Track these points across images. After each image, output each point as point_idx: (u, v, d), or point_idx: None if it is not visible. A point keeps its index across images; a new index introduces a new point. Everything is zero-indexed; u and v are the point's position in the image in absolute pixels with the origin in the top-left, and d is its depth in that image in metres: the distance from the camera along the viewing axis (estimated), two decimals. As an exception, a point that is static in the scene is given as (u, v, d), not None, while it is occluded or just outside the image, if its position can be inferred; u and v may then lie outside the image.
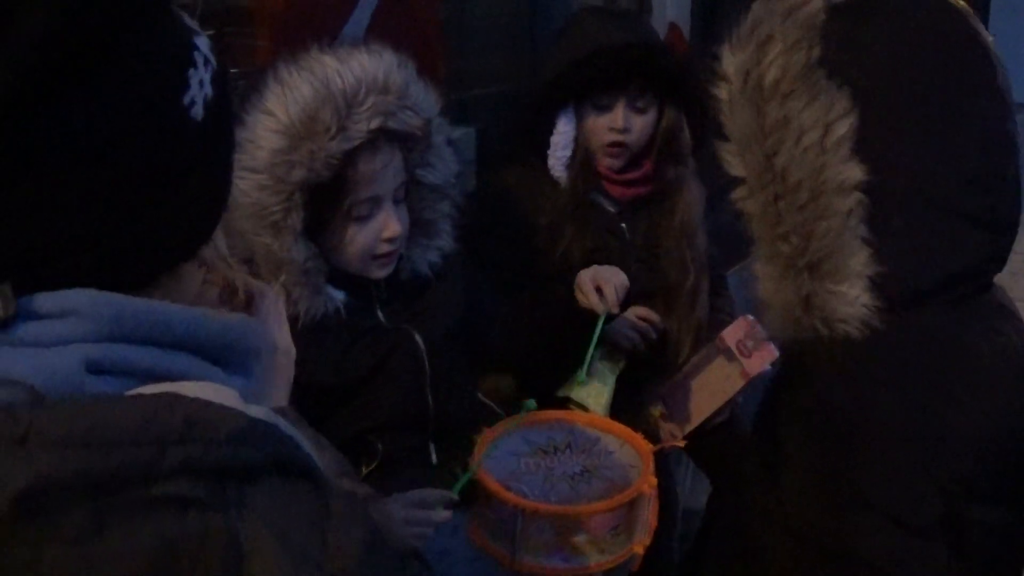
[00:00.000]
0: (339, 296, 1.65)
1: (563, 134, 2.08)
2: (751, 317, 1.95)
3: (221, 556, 0.63)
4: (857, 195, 1.16)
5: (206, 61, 0.77)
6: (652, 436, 1.66)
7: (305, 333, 1.59)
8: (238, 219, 1.55)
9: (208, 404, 0.66)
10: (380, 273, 1.67)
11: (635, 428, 1.69)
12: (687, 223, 2.14)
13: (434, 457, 1.68)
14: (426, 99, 1.64)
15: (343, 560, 0.66)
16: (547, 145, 2.09)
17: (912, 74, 1.20)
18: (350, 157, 1.55)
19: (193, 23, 0.80)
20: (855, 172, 1.15)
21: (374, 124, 1.54)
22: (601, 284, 1.77)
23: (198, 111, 0.74)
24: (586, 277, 1.79)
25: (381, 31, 2.05)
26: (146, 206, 0.72)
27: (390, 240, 1.63)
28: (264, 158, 1.51)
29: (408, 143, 1.64)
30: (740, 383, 1.97)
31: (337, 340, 1.63)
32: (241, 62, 1.99)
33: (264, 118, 1.52)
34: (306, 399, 1.62)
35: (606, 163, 2.11)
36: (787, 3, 1.22)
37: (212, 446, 0.64)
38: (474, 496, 1.51)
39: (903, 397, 1.19)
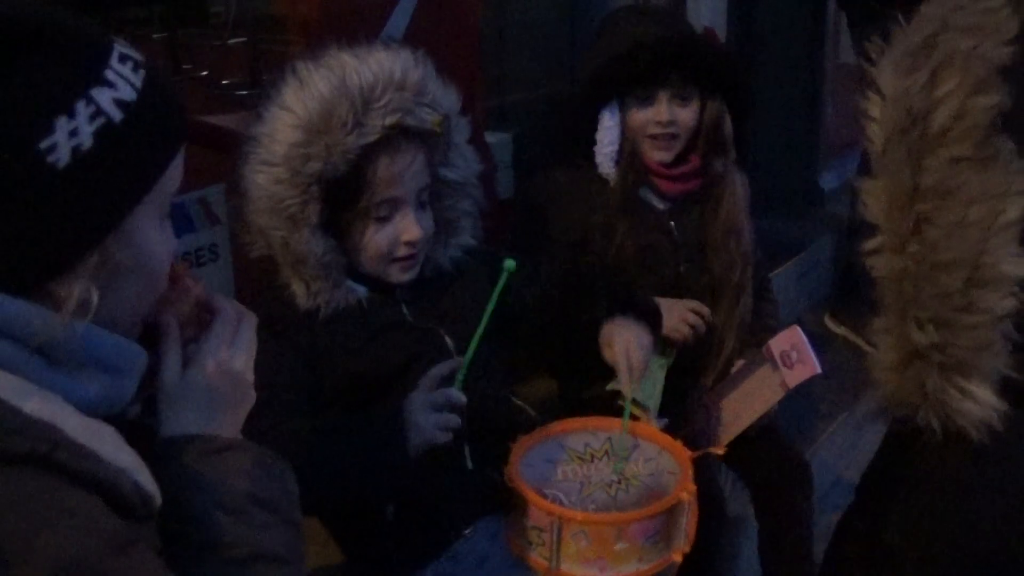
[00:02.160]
0: (361, 290, 1.66)
1: (608, 129, 2.07)
2: (799, 329, 1.92)
3: None
4: (1016, 292, 0.99)
5: (96, 114, 0.82)
6: (691, 442, 1.64)
7: (326, 323, 1.61)
8: (255, 214, 1.57)
9: None
10: (400, 277, 1.67)
11: (675, 434, 1.66)
12: (733, 217, 2.12)
13: (469, 462, 1.67)
14: (444, 96, 1.65)
15: (41, 558, 0.75)
16: (592, 143, 2.09)
17: None
18: (368, 154, 1.56)
19: (128, 74, 0.85)
20: (1018, 266, 0.98)
21: (390, 120, 1.55)
22: (632, 356, 1.67)
23: (60, 157, 0.80)
24: (620, 345, 1.68)
25: (419, 37, 2.05)
26: None
27: (410, 244, 1.63)
28: (281, 152, 1.53)
29: (429, 142, 1.64)
30: (780, 394, 1.93)
31: (360, 329, 1.64)
32: (277, 69, 2.00)
33: (282, 113, 1.54)
34: (329, 389, 1.63)
35: (656, 157, 2.10)
36: (973, 18, 1.00)
37: None
38: (512, 504, 1.50)
39: (1015, 504, 1.07)
